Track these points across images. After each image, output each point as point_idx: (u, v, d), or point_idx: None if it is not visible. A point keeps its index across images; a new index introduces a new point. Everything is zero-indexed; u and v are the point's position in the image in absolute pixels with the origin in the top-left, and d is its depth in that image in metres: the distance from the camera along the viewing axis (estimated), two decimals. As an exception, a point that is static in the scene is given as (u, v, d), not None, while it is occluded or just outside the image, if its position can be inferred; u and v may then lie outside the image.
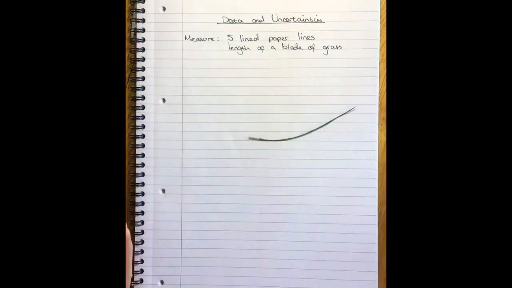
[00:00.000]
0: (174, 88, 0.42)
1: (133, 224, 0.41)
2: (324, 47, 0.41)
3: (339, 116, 0.40)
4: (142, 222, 0.41)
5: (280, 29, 0.41)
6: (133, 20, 0.42)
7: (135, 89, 0.42)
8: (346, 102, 0.40)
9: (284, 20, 0.41)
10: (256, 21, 0.41)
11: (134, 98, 0.42)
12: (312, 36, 0.41)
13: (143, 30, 0.42)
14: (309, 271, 0.40)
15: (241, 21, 0.41)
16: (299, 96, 0.41)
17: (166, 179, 0.42)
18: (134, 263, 0.41)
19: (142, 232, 0.41)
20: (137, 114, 0.42)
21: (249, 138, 0.41)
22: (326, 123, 0.41)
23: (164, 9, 0.42)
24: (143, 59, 0.42)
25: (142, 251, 0.41)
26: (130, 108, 0.42)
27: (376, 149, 0.40)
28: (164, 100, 0.42)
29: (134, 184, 0.41)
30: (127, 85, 0.42)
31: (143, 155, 0.41)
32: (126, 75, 0.42)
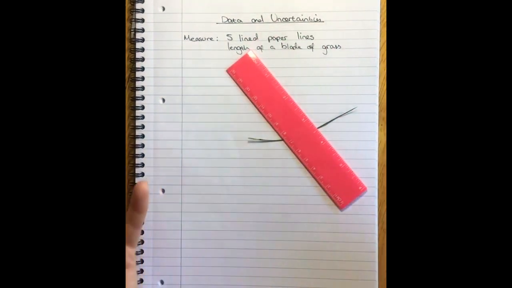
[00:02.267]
0: (173, 88, 0.41)
1: (133, 224, 0.41)
2: (324, 47, 0.41)
3: (339, 116, 0.40)
4: (142, 222, 0.41)
5: (279, 29, 0.41)
6: (133, 20, 0.42)
7: (134, 89, 0.41)
8: (346, 102, 0.40)
9: (283, 20, 0.41)
10: (255, 20, 0.41)
11: (134, 98, 0.42)
12: (311, 36, 0.41)
13: (143, 30, 0.42)
14: (308, 271, 0.40)
15: (240, 20, 0.41)
16: (298, 96, 0.41)
17: (165, 179, 0.41)
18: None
19: (142, 232, 0.41)
20: (136, 114, 0.41)
21: (249, 138, 0.41)
22: (326, 123, 0.41)
23: (163, 9, 0.42)
24: (143, 59, 0.41)
25: (142, 251, 0.41)
26: (130, 108, 0.42)
27: (376, 149, 0.40)
28: (163, 100, 0.42)
29: (134, 184, 0.41)
30: (127, 85, 0.42)
31: (142, 155, 0.41)
32: (126, 75, 0.42)
